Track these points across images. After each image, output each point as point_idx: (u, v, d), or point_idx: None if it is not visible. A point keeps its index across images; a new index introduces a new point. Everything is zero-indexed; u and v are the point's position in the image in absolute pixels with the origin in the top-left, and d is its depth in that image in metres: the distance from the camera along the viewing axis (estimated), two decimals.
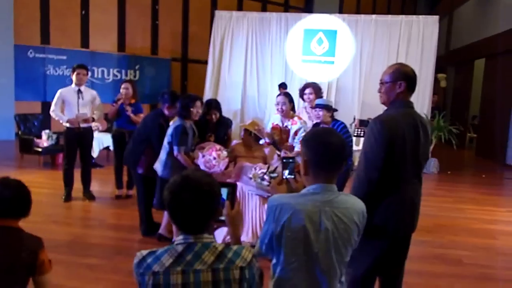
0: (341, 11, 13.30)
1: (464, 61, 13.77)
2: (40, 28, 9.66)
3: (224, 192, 1.78)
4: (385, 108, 2.46)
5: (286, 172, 2.01)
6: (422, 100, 8.68)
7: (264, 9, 12.25)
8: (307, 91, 4.96)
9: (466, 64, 13.69)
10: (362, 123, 6.43)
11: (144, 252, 1.51)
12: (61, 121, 5.46)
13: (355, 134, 7.56)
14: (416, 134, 2.33)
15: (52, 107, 5.44)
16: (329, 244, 1.67)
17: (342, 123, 4.38)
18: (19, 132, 7.55)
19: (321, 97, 4.99)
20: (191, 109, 4.18)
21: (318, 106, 4.32)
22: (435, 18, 9.00)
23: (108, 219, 5.11)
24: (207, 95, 9.41)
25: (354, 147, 7.82)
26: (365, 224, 2.23)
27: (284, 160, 2.06)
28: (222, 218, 1.75)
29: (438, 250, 4.55)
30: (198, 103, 4.26)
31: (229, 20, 9.49)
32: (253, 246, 1.84)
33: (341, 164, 1.75)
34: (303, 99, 5.16)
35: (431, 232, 5.06)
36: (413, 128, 2.32)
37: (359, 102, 8.98)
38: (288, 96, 4.67)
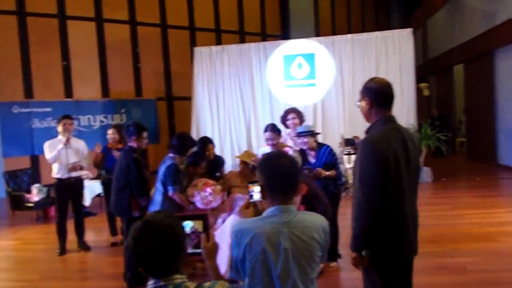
0: (318, 34, 13.56)
1: (443, 68, 14.04)
2: (23, 82, 9.72)
3: (198, 224, 1.86)
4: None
5: (255, 195, 2.06)
6: (407, 112, 8.76)
7: (242, 40, 12.45)
8: (290, 116, 4.97)
9: (446, 71, 13.95)
10: (348, 142, 6.40)
11: None
12: (58, 152, 5.35)
13: (345, 153, 7.59)
14: (405, 148, 2.29)
15: (47, 155, 5.39)
16: (290, 264, 1.72)
17: (328, 146, 4.43)
18: (9, 189, 7.46)
19: (303, 120, 5.03)
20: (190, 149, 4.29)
21: (301, 133, 4.35)
22: (409, 31, 9.21)
23: (105, 269, 5.01)
24: (194, 130, 9.45)
25: (346, 165, 7.88)
26: (374, 253, 2.25)
27: (249, 183, 2.11)
28: (199, 250, 1.81)
29: (441, 260, 4.51)
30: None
31: (208, 55, 9.63)
32: None
33: (294, 184, 1.82)
34: (285, 126, 5.15)
35: (433, 242, 5.02)
36: (402, 143, 2.29)
37: (344, 121, 9.05)
38: (275, 130, 4.72)
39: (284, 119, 5.18)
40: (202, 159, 4.72)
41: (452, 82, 13.72)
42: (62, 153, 5.37)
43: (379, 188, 2.19)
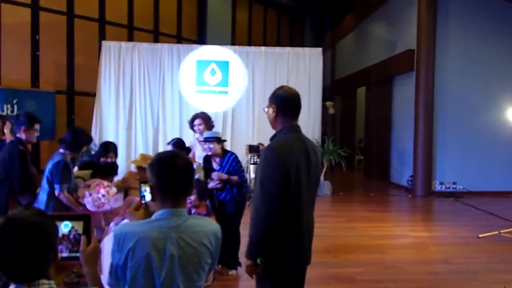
0: (233, 43, 13.65)
1: (348, 90, 14.97)
2: None
3: (79, 225, 1.66)
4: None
5: (147, 195, 1.92)
6: (312, 127, 9.14)
7: (156, 40, 12.04)
8: (196, 122, 4.86)
9: (350, 92, 14.88)
10: (252, 148, 6.39)
11: None
12: None
13: (251, 162, 7.64)
14: (307, 158, 2.29)
15: None
16: (175, 271, 1.63)
17: (233, 153, 4.40)
18: None
19: (212, 126, 4.94)
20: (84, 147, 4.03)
21: (207, 139, 4.27)
22: (319, 50, 9.65)
23: None
24: (95, 129, 8.87)
25: (252, 175, 7.93)
26: (268, 261, 2.20)
27: (142, 183, 1.97)
28: (77, 254, 1.62)
29: (333, 270, 4.66)
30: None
31: (118, 51, 9.14)
32: None
33: (187, 187, 1.74)
34: (193, 130, 5.05)
35: (327, 253, 5.19)
36: (304, 153, 2.28)
37: (253, 131, 9.15)
38: (178, 146, 4.55)
39: (191, 124, 5.06)
40: (112, 170, 4.38)
41: (355, 103, 14.67)
42: None
43: (279, 195, 2.16)
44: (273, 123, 2.39)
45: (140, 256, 1.60)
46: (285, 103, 2.34)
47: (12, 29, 9.76)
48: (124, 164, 7.97)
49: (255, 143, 8.77)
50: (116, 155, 4.81)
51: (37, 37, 10.14)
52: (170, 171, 1.70)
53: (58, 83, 10.41)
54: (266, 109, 2.41)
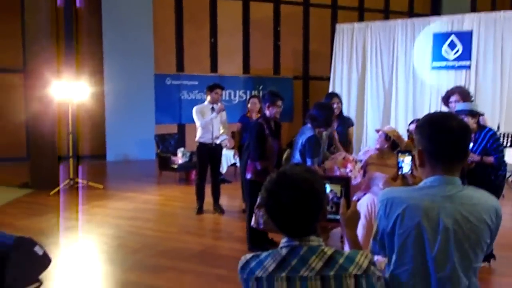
0: (474, 10, 12.12)
1: None
2: (176, 57, 10.66)
3: (337, 188, 1.67)
4: None
5: (405, 167, 1.82)
6: None
7: (386, 19, 11.77)
8: (452, 98, 4.36)
9: None
10: None
11: (248, 256, 1.41)
12: (211, 119, 5.61)
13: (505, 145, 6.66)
14: None
15: (198, 121, 5.67)
16: (450, 246, 1.42)
17: (491, 129, 3.87)
18: (159, 151, 8.30)
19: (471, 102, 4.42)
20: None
21: (459, 112, 3.85)
22: None
23: (236, 232, 5.23)
24: None
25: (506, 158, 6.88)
26: None
27: (399, 153, 1.86)
28: (338, 217, 1.61)
29: None
30: None
31: (350, 32, 9.30)
32: None
33: (463, 152, 1.51)
34: (448, 107, 4.60)
35: None
36: None
37: (501, 110, 7.95)
38: None
39: (446, 101, 4.62)
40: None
41: None
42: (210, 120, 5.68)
43: None
44: None
45: (410, 225, 1.45)
46: None
47: (258, 23, 11.11)
48: (355, 142, 8.10)
49: (502, 124, 7.62)
50: (340, 100, 5.23)
51: (278, 29, 11.26)
52: (443, 133, 1.48)
53: (295, 70, 11.36)
54: None
